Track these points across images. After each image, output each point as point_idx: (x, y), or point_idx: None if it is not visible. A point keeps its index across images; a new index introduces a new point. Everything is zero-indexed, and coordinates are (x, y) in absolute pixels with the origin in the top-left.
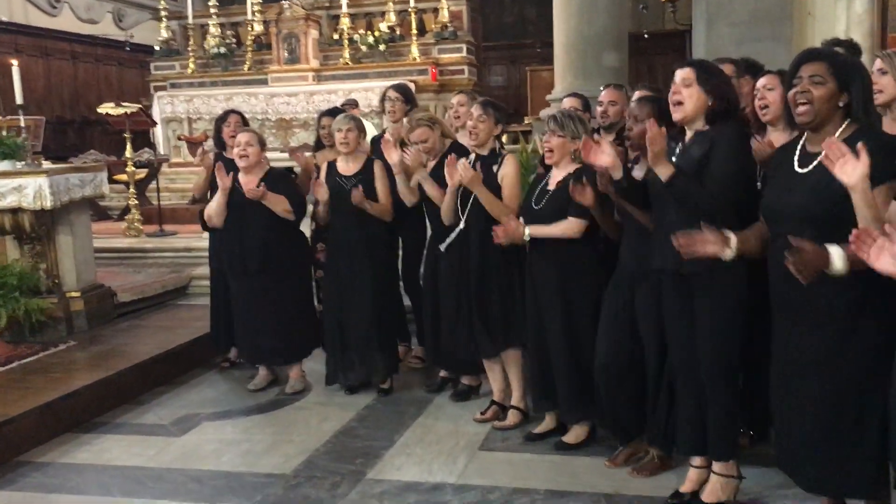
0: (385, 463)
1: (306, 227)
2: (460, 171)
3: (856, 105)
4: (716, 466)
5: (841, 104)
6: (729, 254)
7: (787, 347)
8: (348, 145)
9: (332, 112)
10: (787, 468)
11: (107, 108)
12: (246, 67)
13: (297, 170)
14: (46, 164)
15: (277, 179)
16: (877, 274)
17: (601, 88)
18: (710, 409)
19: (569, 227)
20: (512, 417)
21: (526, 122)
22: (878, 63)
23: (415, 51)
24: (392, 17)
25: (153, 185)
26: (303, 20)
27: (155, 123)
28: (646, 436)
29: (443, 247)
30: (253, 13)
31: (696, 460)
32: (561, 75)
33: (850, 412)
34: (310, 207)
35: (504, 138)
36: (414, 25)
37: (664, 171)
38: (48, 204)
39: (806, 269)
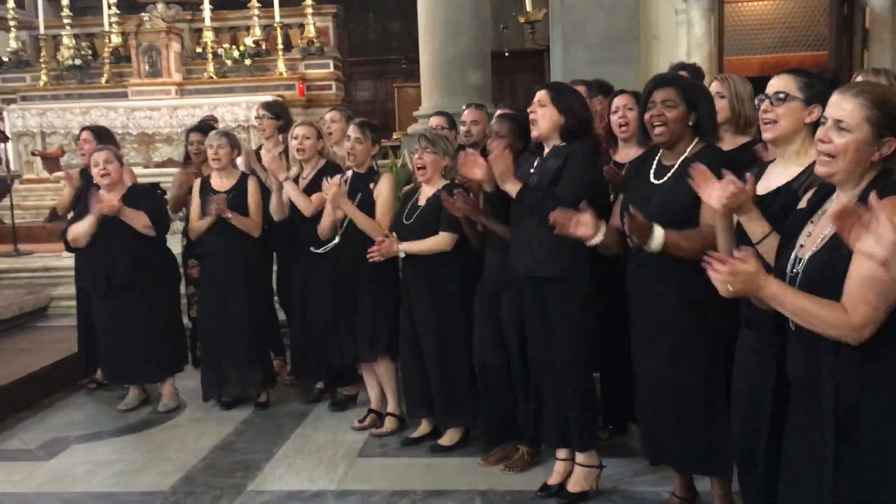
0: (265, 474)
1: (177, 244)
2: (325, 190)
3: (704, 124)
4: (579, 458)
5: (690, 123)
6: (597, 239)
7: (641, 343)
8: (220, 161)
9: (201, 128)
10: (653, 456)
11: None
12: (104, 80)
13: (166, 185)
14: None
15: (139, 195)
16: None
17: (463, 108)
18: (569, 404)
19: (440, 241)
20: (389, 424)
21: (395, 137)
22: (716, 86)
23: (281, 66)
24: (258, 32)
25: (5, 202)
26: (164, 33)
27: (7, 138)
28: (516, 435)
29: (320, 251)
30: (110, 24)
31: (561, 453)
32: (427, 93)
33: (699, 399)
34: (180, 224)
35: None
36: (280, 40)
37: (512, 188)
38: None
39: (634, 234)
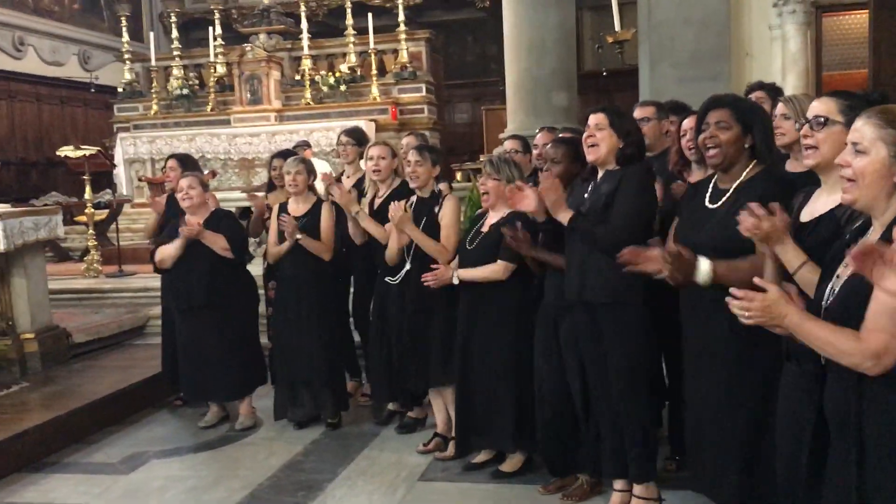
0: (326, 495)
1: (258, 266)
2: (392, 214)
3: (759, 146)
4: (636, 489)
5: (746, 146)
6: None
7: (693, 372)
8: (297, 187)
9: (284, 154)
10: (701, 486)
11: (66, 151)
12: (209, 108)
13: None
14: (1, 208)
15: (220, 219)
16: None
17: (536, 131)
18: (626, 432)
19: (496, 270)
20: (453, 448)
21: (481, 160)
22: (781, 107)
23: (375, 91)
24: (353, 59)
25: (114, 225)
26: (265, 62)
27: (114, 166)
28: (577, 463)
29: (393, 280)
30: (216, 55)
31: (618, 484)
32: (512, 114)
33: (748, 432)
34: (262, 247)
35: (459, 175)
36: (374, 66)
37: (563, 217)
38: (1, 247)
39: (677, 272)
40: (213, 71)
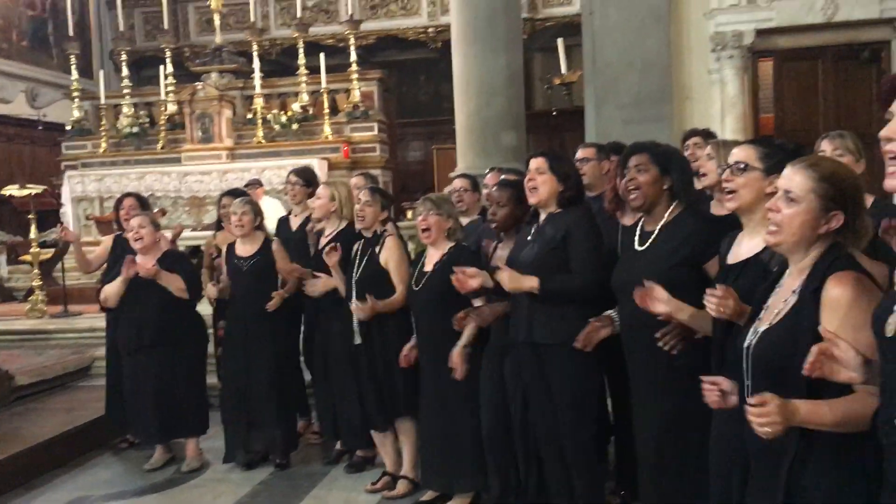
0: None
1: (207, 305)
2: (326, 254)
3: (677, 187)
4: None
5: (665, 187)
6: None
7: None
8: (243, 228)
9: (234, 192)
10: None
11: (10, 190)
12: (159, 146)
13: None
14: None
15: (173, 260)
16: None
17: (486, 172)
18: (573, 467)
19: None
20: (401, 487)
21: (424, 196)
22: (708, 149)
23: (327, 129)
24: (305, 98)
25: (60, 264)
26: (216, 101)
27: (61, 205)
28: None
29: (356, 336)
30: (167, 94)
31: None
32: (462, 154)
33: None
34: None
35: (410, 214)
36: (326, 105)
37: (530, 285)
38: None
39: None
40: (163, 109)
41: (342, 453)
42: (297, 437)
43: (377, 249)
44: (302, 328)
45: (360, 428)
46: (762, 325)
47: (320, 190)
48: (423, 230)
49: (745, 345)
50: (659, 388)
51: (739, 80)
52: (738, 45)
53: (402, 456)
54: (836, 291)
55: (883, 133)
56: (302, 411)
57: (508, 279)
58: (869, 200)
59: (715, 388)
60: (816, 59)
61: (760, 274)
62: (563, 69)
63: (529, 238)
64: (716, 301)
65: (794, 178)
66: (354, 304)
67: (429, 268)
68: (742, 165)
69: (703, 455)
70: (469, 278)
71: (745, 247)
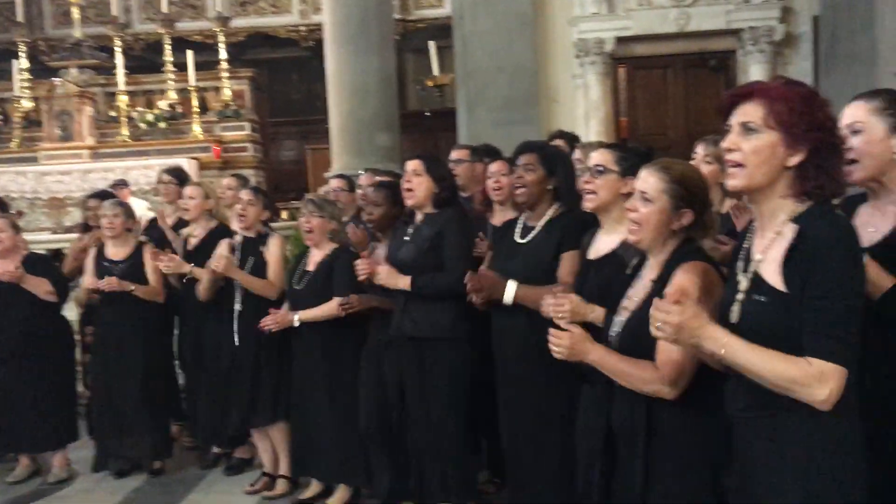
0: None
1: (73, 311)
2: (214, 262)
3: (561, 188)
4: None
5: (549, 187)
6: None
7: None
8: (114, 230)
9: (100, 194)
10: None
11: None
12: (14, 145)
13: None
14: None
15: (36, 263)
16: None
17: (360, 172)
18: (448, 460)
19: (333, 307)
20: (280, 487)
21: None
22: (577, 153)
23: (197, 129)
24: (172, 95)
25: None
26: (76, 97)
27: None
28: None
29: (236, 337)
30: (21, 90)
31: None
32: (337, 155)
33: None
34: (75, 292)
35: (284, 214)
36: (195, 104)
37: (404, 284)
38: None
39: (483, 291)
40: (18, 105)
41: (219, 457)
42: (171, 443)
43: (261, 248)
44: (175, 331)
45: (238, 429)
46: (623, 315)
47: (191, 190)
48: (307, 232)
49: (609, 334)
50: (526, 378)
51: (602, 85)
52: (599, 51)
53: (279, 456)
54: (683, 278)
55: (724, 144)
56: (176, 416)
57: (385, 276)
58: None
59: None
60: (667, 67)
61: (617, 268)
62: (436, 71)
63: (407, 238)
64: (555, 307)
65: (648, 179)
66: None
67: (311, 267)
68: (600, 168)
69: (570, 444)
70: (362, 270)
71: (603, 243)
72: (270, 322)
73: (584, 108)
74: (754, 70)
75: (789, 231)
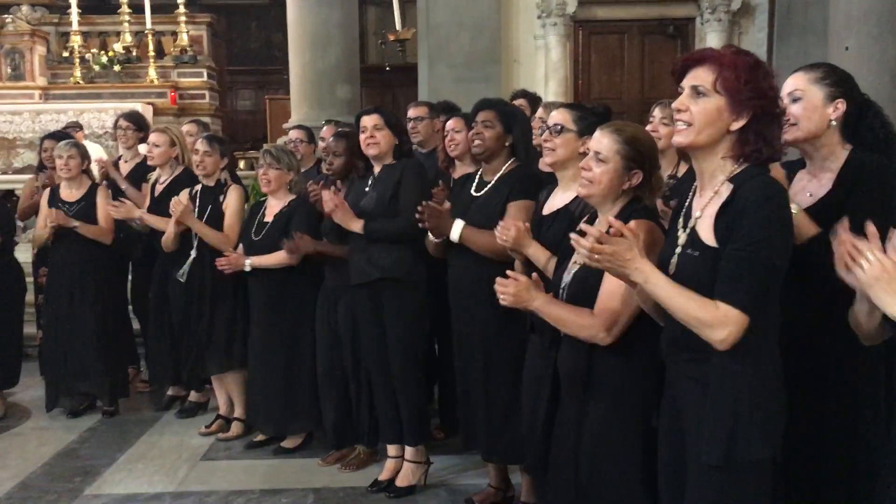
0: (105, 479)
1: (27, 252)
2: (173, 207)
3: (517, 145)
4: (407, 454)
5: (507, 144)
6: (454, 235)
7: (460, 344)
8: (70, 171)
9: (56, 135)
10: (471, 444)
11: None
12: None
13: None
14: None
15: None
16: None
17: (322, 124)
18: (401, 403)
19: (286, 256)
20: (235, 429)
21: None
22: (540, 111)
23: (153, 73)
24: (128, 38)
25: None
26: (28, 35)
27: None
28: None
29: (180, 276)
30: None
31: (392, 450)
32: (297, 105)
33: (506, 396)
34: (30, 232)
35: (242, 164)
36: (151, 47)
37: (356, 226)
38: None
39: (435, 223)
40: None
41: (174, 399)
42: (126, 385)
43: (221, 199)
44: (130, 276)
45: (193, 373)
46: (574, 267)
47: (156, 136)
48: (265, 182)
49: (561, 284)
50: (480, 326)
51: (562, 47)
52: (561, 13)
53: (233, 400)
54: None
55: (674, 105)
56: (130, 359)
57: (341, 215)
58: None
59: (505, 287)
60: (623, 32)
61: (569, 222)
62: (398, 26)
63: (367, 189)
64: (502, 231)
65: (602, 140)
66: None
67: (269, 219)
68: (559, 127)
69: (518, 389)
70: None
71: (558, 199)
72: (224, 263)
73: (544, 69)
74: (711, 38)
75: (725, 190)
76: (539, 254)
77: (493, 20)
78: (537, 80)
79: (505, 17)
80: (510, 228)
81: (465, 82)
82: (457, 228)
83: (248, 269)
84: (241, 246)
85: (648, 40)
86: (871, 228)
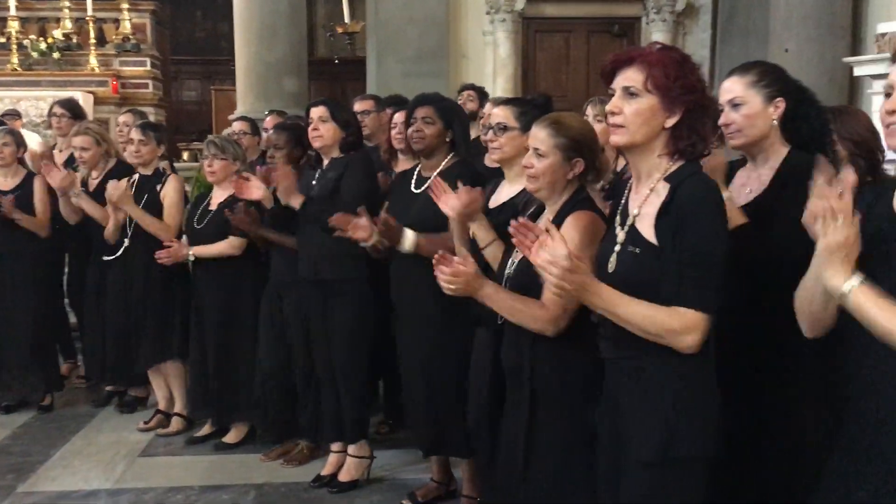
0: (39, 476)
1: None
2: (110, 193)
3: (458, 141)
4: (350, 449)
5: (447, 139)
6: (371, 241)
7: (404, 338)
8: (4, 159)
9: None
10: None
11: None
12: None
13: None
14: None
15: None
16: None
17: (266, 114)
18: (344, 399)
19: (230, 245)
20: (175, 424)
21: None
22: (487, 107)
23: (94, 61)
24: (68, 25)
25: None
26: None
27: None
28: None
29: (111, 257)
30: None
31: (335, 446)
32: (243, 97)
33: (449, 390)
34: None
35: (186, 155)
36: (93, 35)
37: (295, 202)
38: None
39: (386, 237)
40: None
41: (112, 395)
42: (61, 380)
43: (159, 188)
44: (66, 268)
45: (132, 366)
46: (518, 256)
47: (80, 140)
48: (210, 172)
49: (504, 273)
50: (423, 320)
51: (511, 43)
52: (510, 9)
53: (174, 394)
54: (569, 223)
55: (607, 107)
56: (67, 353)
57: (283, 187)
58: None
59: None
60: (570, 31)
61: (514, 214)
62: (347, 18)
63: (314, 182)
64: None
65: (538, 135)
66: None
67: (213, 207)
68: (502, 126)
69: (462, 383)
70: (253, 187)
71: (504, 193)
72: (164, 255)
73: (492, 65)
74: (656, 38)
75: (662, 189)
76: (485, 233)
77: (442, 15)
78: (486, 75)
79: (454, 13)
80: (462, 194)
81: (414, 77)
82: (409, 239)
83: (191, 258)
84: (184, 237)
85: (594, 39)
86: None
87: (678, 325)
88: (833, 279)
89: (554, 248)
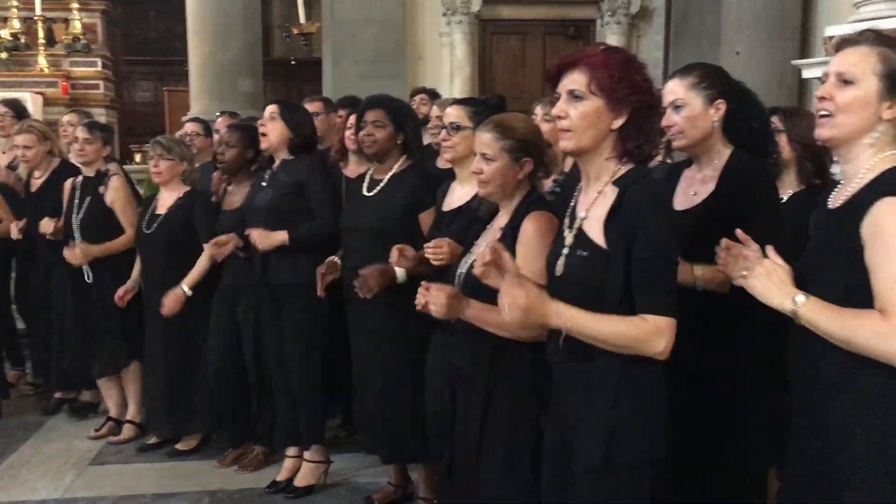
0: None
1: None
2: (68, 257)
3: (409, 143)
4: (306, 454)
5: (399, 142)
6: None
7: (358, 345)
8: None
9: None
10: (370, 444)
11: None
12: None
13: None
14: None
15: None
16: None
17: (217, 115)
18: (300, 404)
19: (206, 259)
20: (127, 431)
21: (154, 139)
22: (435, 110)
23: (42, 61)
24: (16, 24)
25: None
26: None
27: None
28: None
29: (87, 278)
30: None
31: (291, 451)
32: (196, 98)
33: (403, 394)
34: None
35: (138, 157)
36: (41, 34)
37: (280, 239)
38: None
39: (369, 287)
40: None
41: (62, 402)
42: (7, 387)
43: (102, 189)
44: (13, 274)
45: (83, 372)
46: (471, 258)
47: (23, 138)
48: (156, 173)
49: (458, 272)
50: (376, 324)
51: (468, 45)
52: (466, 11)
53: (128, 401)
54: (528, 227)
55: (554, 111)
56: (14, 361)
57: (259, 239)
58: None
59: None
60: (525, 33)
61: (470, 218)
62: (302, 19)
63: (264, 184)
64: (433, 252)
65: (484, 139)
66: (67, 249)
67: (161, 211)
68: (455, 125)
69: (417, 387)
70: (223, 246)
71: (457, 195)
72: (168, 309)
73: (449, 67)
74: (611, 40)
75: (611, 192)
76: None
77: (399, 17)
78: (443, 77)
79: (410, 14)
80: (442, 246)
81: (371, 78)
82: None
83: (188, 293)
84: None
85: (550, 40)
86: (740, 233)
87: (646, 333)
88: (779, 303)
89: (510, 290)
